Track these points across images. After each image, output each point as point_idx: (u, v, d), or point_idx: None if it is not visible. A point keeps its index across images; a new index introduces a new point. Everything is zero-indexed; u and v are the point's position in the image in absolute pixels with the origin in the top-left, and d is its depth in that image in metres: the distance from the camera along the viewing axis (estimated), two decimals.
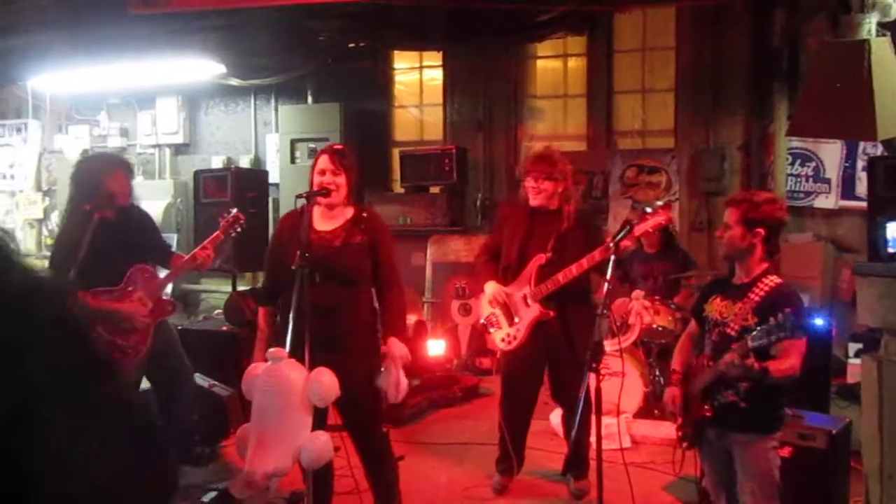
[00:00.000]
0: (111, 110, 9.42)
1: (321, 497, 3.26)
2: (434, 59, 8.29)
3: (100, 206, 3.84)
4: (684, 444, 3.15)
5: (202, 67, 7.92)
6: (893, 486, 2.73)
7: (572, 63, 7.88)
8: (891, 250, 3.05)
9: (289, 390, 2.68)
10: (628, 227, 3.52)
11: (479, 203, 7.81)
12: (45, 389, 0.79)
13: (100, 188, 3.88)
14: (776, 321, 2.66)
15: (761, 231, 2.93)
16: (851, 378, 5.09)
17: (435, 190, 7.60)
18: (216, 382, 5.05)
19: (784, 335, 2.66)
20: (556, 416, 4.82)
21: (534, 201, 4.06)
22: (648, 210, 4.07)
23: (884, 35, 4.70)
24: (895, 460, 2.71)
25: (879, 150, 5.61)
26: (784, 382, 2.86)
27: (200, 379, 5.12)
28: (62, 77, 8.13)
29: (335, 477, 3.49)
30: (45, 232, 9.62)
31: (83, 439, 0.82)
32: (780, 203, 3.14)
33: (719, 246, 3.09)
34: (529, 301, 4.05)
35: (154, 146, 9.28)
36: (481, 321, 4.22)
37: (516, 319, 4.09)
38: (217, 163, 8.83)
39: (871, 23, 4.69)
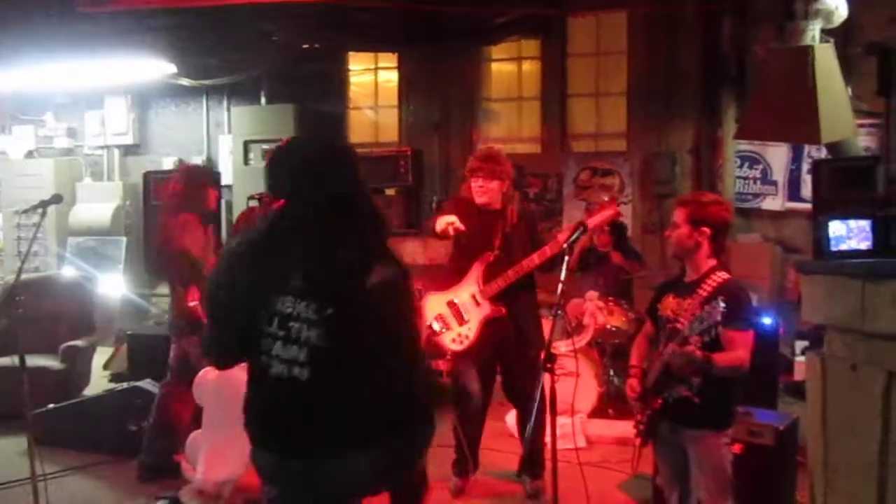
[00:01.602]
0: (58, 110, 9.16)
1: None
2: (389, 60, 8.27)
3: None
4: (640, 440, 3.19)
5: (152, 67, 7.74)
6: (837, 479, 2.80)
7: (527, 66, 7.93)
8: (833, 249, 3.13)
9: (242, 395, 2.62)
10: (582, 228, 3.55)
11: (434, 205, 7.78)
12: None
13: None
14: (710, 308, 2.75)
15: (707, 230, 3.02)
16: (798, 375, 5.21)
17: (390, 192, 7.58)
18: None
19: (719, 322, 2.74)
20: (512, 417, 4.84)
21: (479, 200, 4.08)
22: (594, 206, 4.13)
23: (827, 41, 4.84)
24: (838, 454, 2.78)
25: (824, 153, 5.76)
26: (731, 374, 2.92)
27: (150, 385, 5.01)
28: (6, 76, 7.89)
29: None
30: None
31: None
32: (726, 204, 3.27)
33: (669, 245, 3.16)
34: (479, 299, 4.06)
35: (102, 147, 9.05)
36: (429, 323, 4.17)
37: (466, 318, 4.09)
38: (168, 164, 8.65)
39: (814, 30, 4.82)
